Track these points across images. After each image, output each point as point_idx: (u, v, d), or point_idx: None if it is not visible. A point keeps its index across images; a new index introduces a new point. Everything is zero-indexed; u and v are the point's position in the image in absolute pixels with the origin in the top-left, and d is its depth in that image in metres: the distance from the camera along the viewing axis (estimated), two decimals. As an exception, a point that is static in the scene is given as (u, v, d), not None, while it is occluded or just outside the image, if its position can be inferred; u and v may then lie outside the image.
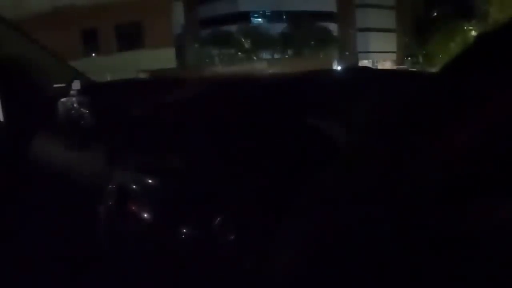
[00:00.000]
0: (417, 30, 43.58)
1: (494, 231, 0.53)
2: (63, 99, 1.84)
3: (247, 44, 40.15)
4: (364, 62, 42.27)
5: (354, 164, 0.79)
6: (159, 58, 23.84)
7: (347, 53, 43.58)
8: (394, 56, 48.16)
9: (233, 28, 41.34)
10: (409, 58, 44.70)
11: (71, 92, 1.84)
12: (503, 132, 0.56)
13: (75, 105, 1.82)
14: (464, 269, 0.55)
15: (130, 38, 26.48)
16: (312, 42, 41.17)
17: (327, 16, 44.76)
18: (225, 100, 1.74)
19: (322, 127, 1.39)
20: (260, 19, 44.83)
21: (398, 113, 0.76)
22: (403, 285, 0.62)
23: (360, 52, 47.17)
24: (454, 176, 0.57)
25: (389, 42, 48.49)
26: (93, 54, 25.84)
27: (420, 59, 41.81)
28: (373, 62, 43.67)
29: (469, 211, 0.55)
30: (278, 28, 41.88)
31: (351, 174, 0.77)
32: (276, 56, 40.76)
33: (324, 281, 0.69)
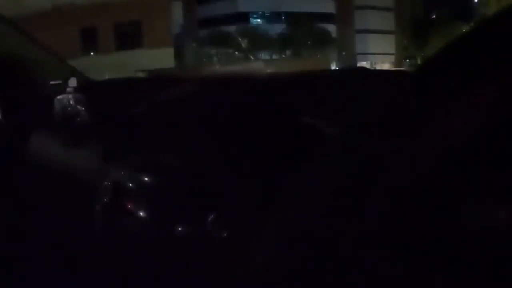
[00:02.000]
0: (415, 32, 43.55)
1: (491, 233, 0.54)
2: (59, 97, 1.85)
3: (245, 44, 40.07)
4: (362, 64, 42.19)
5: (347, 162, 0.80)
6: (158, 58, 23.80)
7: (345, 54, 43.53)
8: (392, 58, 48.09)
9: (232, 28, 41.23)
10: (408, 60, 44.64)
11: (68, 89, 1.85)
12: (493, 130, 0.58)
13: (71, 102, 1.83)
14: (461, 270, 0.56)
15: (129, 37, 26.43)
16: (311, 43, 41.10)
17: (326, 17, 44.68)
18: (221, 100, 1.75)
19: (317, 127, 1.40)
20: (259, 20, 44.76)
21: (388, 113, 0.78)
22: (397, 282, 0.64)
23: (359, 54, 47.10)
24: (448, 175, 0.59)
25: (388, 44, 48.43)
26: (92, 53, 25.79)
27: (419, 61, 41.77)
28: (371, 64, 43.62)
29: (466, 213, 0.56)
30: (277, 28, 41.79)
31: (344, 172, 0.79)
32: (274, 56, 40.68)
33: (310, 274, 0.70)
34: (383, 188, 0.72)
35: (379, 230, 0.70)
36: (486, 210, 0.59)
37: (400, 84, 1.22)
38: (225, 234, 1.26)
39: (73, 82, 1.68)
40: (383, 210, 0.71)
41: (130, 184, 1.57)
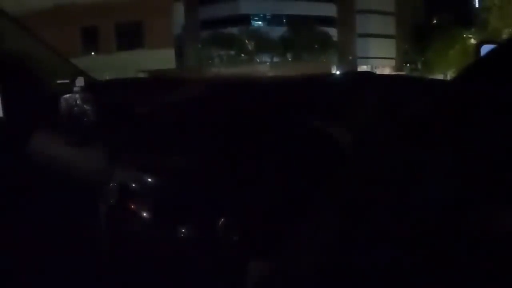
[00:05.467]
0: (416, 37, 43.70)
1: (495, 238, 0.53)
2: (66, 96, 1.83)
3: (248, 46, 40.16)
4: (363, 68, 42.33)
5: (360, 167, 0.78)
6: (159, 59, 23.81)
7: (346, 58, 43.65)
8: (393, 62, 48.25)
9: (233, 30, 41.34)
10: (408, 65, 44.80)
11: (74, 88, 1.83)
12: (507, 140, 0.56)
13: (78, 101, 1.81)
14: (466, 274, 0.55)
15: (130, 37, 26.45)
16: (312, 46, 41.21)
17: (327, 21, 44.85)
18: (228, 101, 1.73)
19: (327, 131, 1.38)
20: (260, 22, 44.92)
21: (405, 119, 0.76)
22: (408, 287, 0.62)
23: (360, 58, 47.26)
24: (456, 182, 0.57)
25: (389, 48, 48.59)
26: (93, 53, 25.82)
27: (419, 66, 41.92)
28: (372, 68, 43.75)
29: (471, 218, 0.55)
30: (278, 31, 41.93)
31: (358, 178, 0.77)
32: (275, 59, 40.79)
33: (333, 285, 0.68)
34: (397, 196, 0.71)
35: (393, 236, 0.68)
36: (492, 215, 0.59)
37: (421, 91, 1.21)
38: (235, 239, 1.24)
39: (80, 81, 1.67)
40: (396, 217, 0.70)
41: (136, 186, 1.55)
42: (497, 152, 0.60)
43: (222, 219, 1.24)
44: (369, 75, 2.15)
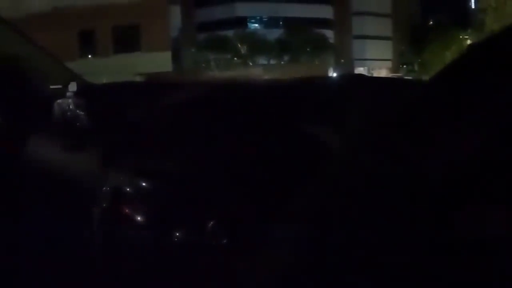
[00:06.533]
0: (413, 38, 43.74)
1: (485, 238, 0.54)
2: (59, 101, 1.85)
3: (243, 49, 40.11)
4: (359, 69, 42.33)
5: (347, 169, 0.80)
6: (156, 62, 23.81)
7: (342, 60, 43.66)
8: (389, 64, 48.24)
9: (229, 33, 41.27)
10: (405, 66, 44.80)
11: (67, 93, 1.85)
12: (495, 139, 0.58)
13: (71, 106, 1.83)
14: (455, 274, 0.57)
15: (127, 40, 26.45)
16: (308, 49, 41.17)
17: (324, 23, 44.83)
18: (220, 104, 1.75)
19: (316, 133, 1.40)
20: (256, 25, 44.89)
21: (392, 120, 0.78)
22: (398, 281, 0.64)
23: (356, 59, 47.24)
24: (446, 182, 0.59)
25: (385, 49, 48.59)
26: (90, 56, 25.79)
27: (416, 67, 41.92)
28: (368, 70, 43.75)
29: (461, 218, 0.57)
30: (275, 34, 41.89)
31: (345, 180, 0.79)
32: (272, 62, 40.74)
33: (315, 284, 0.70)
34: (385, 197, 0.73)
35: (383, 236, 0.70)
36: (484, 215, 0.60)
37: (406, 92, 1.23)
38: (224, 241, 1.26)
39: (73, 86, 1.68)
40: (388, 217, 0.72)
41: (129, 190, 1.56)
42: (484, 153, 0.62)
43: (211, 223, 1.25)
44: (360, 77, 2.18)
